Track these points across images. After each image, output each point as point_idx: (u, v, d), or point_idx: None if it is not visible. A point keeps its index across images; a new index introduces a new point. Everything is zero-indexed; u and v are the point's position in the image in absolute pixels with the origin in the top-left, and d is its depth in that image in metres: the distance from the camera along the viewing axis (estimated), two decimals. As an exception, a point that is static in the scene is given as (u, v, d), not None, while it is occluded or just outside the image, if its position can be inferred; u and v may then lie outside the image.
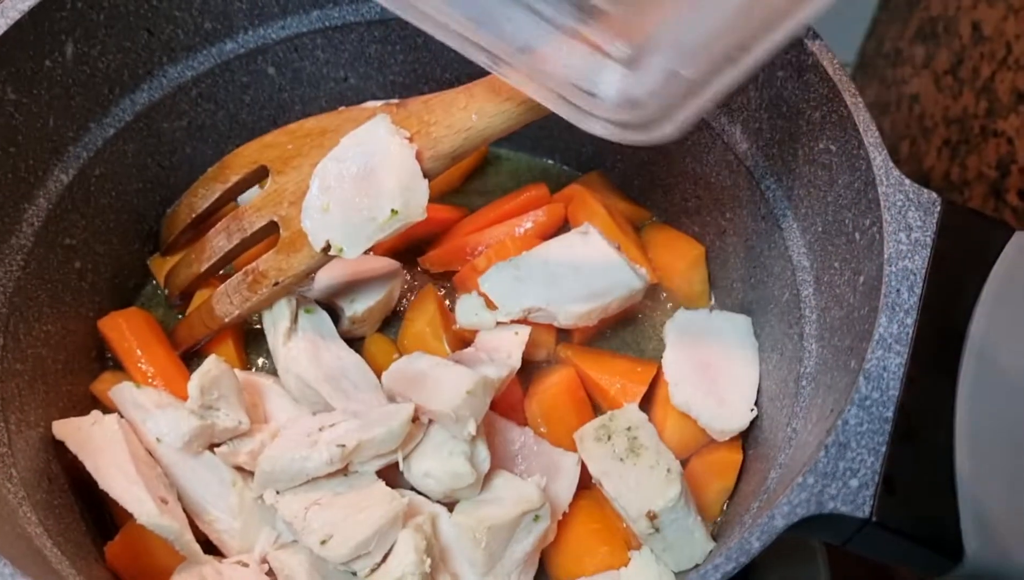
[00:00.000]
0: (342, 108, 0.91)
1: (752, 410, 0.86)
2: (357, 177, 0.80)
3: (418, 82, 1.03)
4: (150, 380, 0.88)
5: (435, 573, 0.75)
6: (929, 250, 0.69)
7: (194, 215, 0.93)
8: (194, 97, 0.94)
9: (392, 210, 0.78)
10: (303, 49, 0.97)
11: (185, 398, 0.82)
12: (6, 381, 0.76)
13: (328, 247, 0.81)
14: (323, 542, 0.73)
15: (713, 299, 0.99)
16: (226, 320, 0.87)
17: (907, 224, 0.70)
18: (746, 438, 0.86)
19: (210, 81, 0.94)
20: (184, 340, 0.91)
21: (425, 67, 1.01)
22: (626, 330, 0.97)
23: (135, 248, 0.96)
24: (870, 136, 0.73)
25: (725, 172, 0.92)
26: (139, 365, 0.89)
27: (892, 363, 0.64)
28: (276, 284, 0.84)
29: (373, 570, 0.74)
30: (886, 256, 0.68)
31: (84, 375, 0.89)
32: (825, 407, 0.70)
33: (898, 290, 0.67)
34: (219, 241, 0.90)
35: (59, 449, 0.81)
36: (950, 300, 0.68)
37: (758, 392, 0.86)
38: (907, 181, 0.72)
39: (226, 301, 0.87)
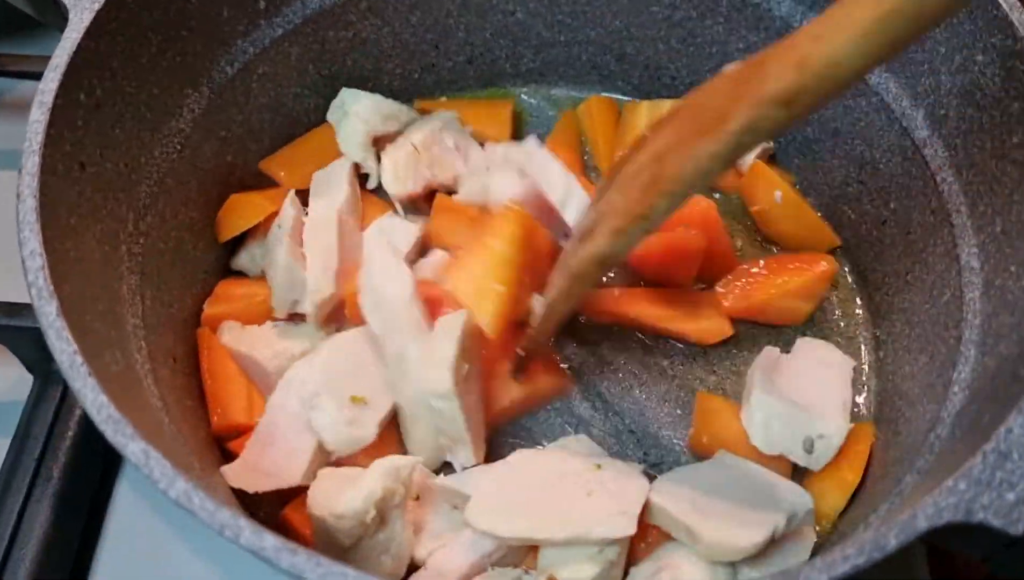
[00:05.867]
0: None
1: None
2: None
3: (585, 26, 1.00)
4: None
5: None
6: None
7: None
8: (363, 10, 0.94)
9: None
10: (477, -26, 0.96)
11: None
12: (148, 258, 0.77)
13: None
14: None
15: (859, 297, 0.93)
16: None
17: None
18: (879, 438, 0.81)
19: (381, -5, 0.94)
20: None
21: (596, 10, 0.98)
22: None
23: (285, 151, 0.97)
24: (1080, 134, 0.67)
25: (897, 159, 0.86)
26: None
27: (1070, 378, 0.58)
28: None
29: None
30: (1080, 264, 0.62)
31: (222, 265, 0.90)
32: (982, 416, 0.65)
33: (1089, 302, 0.61)
34: None
35: (186, 333, 0.82)
36: None
37: (898, 395, 0.81)
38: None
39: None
